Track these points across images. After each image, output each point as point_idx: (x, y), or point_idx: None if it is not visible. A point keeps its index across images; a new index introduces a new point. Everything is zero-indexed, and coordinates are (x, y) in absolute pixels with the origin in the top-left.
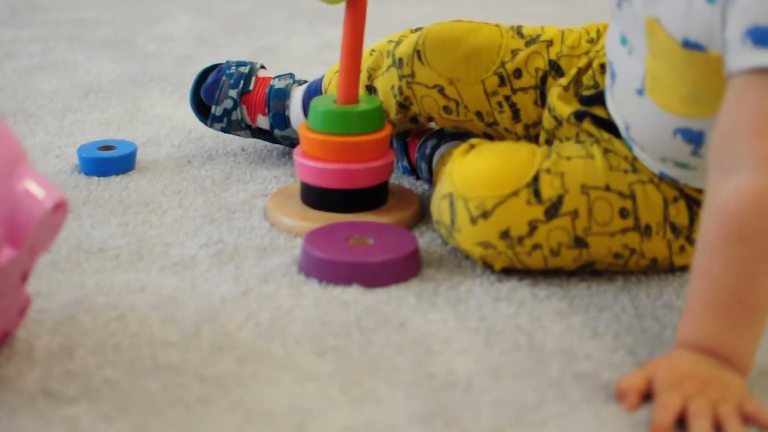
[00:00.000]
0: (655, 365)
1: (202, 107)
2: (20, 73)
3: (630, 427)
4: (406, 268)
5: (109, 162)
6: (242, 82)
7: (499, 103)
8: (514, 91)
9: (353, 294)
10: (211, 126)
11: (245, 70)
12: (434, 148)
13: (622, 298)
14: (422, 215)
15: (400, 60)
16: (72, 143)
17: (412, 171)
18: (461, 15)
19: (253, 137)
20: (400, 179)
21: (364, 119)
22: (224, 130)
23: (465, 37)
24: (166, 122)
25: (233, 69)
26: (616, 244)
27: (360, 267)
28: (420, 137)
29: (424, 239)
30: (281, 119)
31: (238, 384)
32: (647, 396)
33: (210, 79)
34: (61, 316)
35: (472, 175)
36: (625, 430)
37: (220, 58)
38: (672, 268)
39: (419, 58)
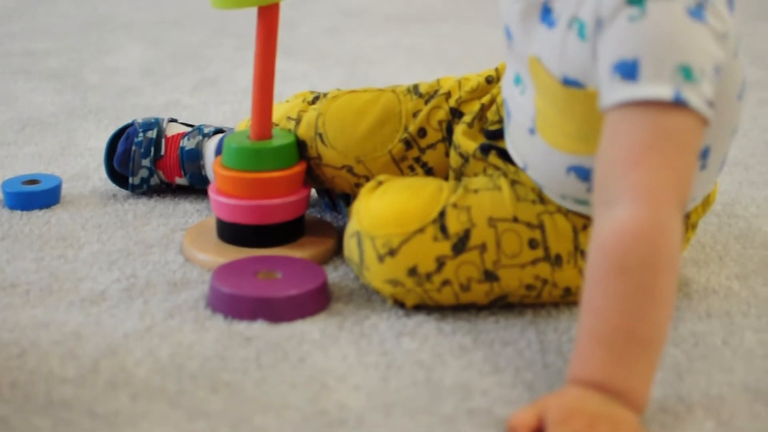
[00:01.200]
0: (546, 401)
1: (117, 175)
2: None
3: None
4: (312, 302)
5: (33, 196)
6: (152, 148)
7: (411, 167)
8: (422, 150)
9: (257, 329)
10: (132, 192)
11: (153, 134)
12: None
13: (529, 332)
14: (338, 249)
15: (304, 142)
16: (1, 177)
17: (333, 207)
18: (410, 44)
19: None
20: (322, 213)
21: (277, 155)
22: (149, 192)
23: (364, 111)
24: (97, 155)
25: (140, 136)
26: (527, 275)
27: (264, 302)
28: None
29: (338, 273)
30: (199, 178)
31: (127, 421)
32: None
33: (120, 148)
34: None
35: (378, 213)
36: None
37: (162, 90)
38: None
39: (322, 141)
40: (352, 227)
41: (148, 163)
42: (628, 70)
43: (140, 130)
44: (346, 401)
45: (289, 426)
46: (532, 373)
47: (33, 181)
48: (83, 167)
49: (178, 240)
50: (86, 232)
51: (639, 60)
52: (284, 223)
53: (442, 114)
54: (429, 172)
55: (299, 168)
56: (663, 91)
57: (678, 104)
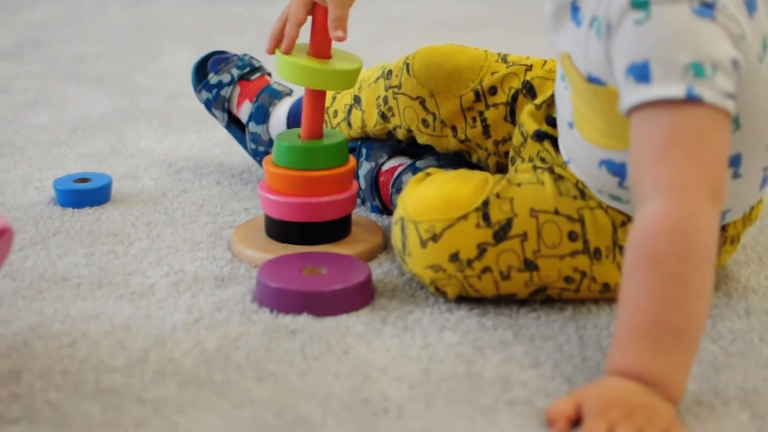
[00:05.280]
0: (585, 392)
1: (200, 75)
2: (13, 107)
3: None
4: (356, 297)
5: (84, 194)
6: (248, 69)
7: (473, 119)
8: (487, 106)
9: (302, 322)
10: (198, 93)
11: (257, 64)
12: None
13: (569, 328)
14: (385, 247)
15: (390, 72)
16: (52, 176)
17: (383, 209)
18: None
19: (226, 127)
20: (367, 214)
21: (327, 154)
22: (207, 103)
23: (452, 56)
24: (147, 156)
25: (247, 58)
26: (566, 267)
27: (310, 296)
28: (391, 175)
29: (382, 269)
30: (263, 112)
31: (175, 408)
32: (577, 422)
33: (224, 55)
34: (15, 342)
35: (423, 200)
36: None
37: None
38: None
39: (407, 70)
40: (397, 214)
41: (236, 74)
42: (641, 73)
43: (248, 57)
44: (388, 391)
45: (332, 414)
46: (571, 366)
47: (84, 180)
48: (133, 167)
49: (226, 237)
50: (136, 229)
51: (649, 62)
52: (332, 221)
53: (515, 82)
54: (486, 129)
55: (348, 167)
56: (675, 90)
57: (691, 100)
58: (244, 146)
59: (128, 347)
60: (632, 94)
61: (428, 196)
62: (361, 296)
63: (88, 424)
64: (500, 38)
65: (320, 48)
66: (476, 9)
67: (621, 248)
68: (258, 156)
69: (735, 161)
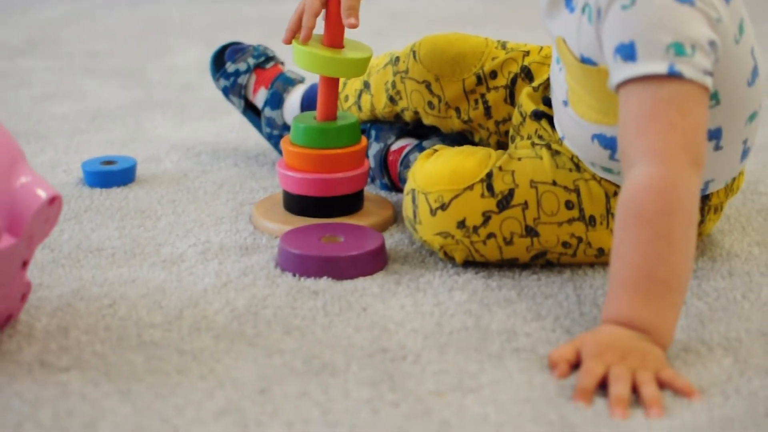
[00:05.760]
0: (583, 338)
1: (218, 64)
2: (34, 99)
3: (557, 391)
4: (372, 262)
5: (111, 175)
6: (264, 58)
7: (476, 101)
8: (488, 89)
9: (323, 285)
10: (216, 81)
11: (271, 53)
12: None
13: (567, 288)
14: (395, 220)
15: (397, 58)
16: (78, 160)
17: (392, 186)
18: None
19: (243, 112)
20: (377, 191)
21: (341, 134)
22: (224, 90)
23: (455, 43)
24: (166, 142)
25: (262, 48)
26: (564, 233)
27: (329, 261)
28: (399, 154)
29: (393, 239)
30: (277, 98)
31: (212, 357)
32: (577, 366)
33: (240, 45)
34: (59, 303)
35: (432, 172)
36: (552, 394)
37: None
38: None
39: (414, 56)
40: (408, 186)
41: (252, 63)
42: (627, 52)
43: (263, 47)
44: (405, 342)
45: (355, 361)
46: (570, 320)
47: (110, 162)
48: (154, 152)
49: (247, 212)
50: (162, 206)
51: (635, 42)
52: (346, 195)
53: (514, 67)
54: (488, 110)
55: (360, 146)
56: (658, 66)
57: (673, 76)
58: (260, 130)
59: (164, 306)
60: (620, 71)
61: (437, 169)
62: (376, 261)
63: (134, 371)
64: (495, 33)
65: (334, 38)
66: (472, 5)
67: (613, 216)
68: (272, 139)
69: (716, 134)
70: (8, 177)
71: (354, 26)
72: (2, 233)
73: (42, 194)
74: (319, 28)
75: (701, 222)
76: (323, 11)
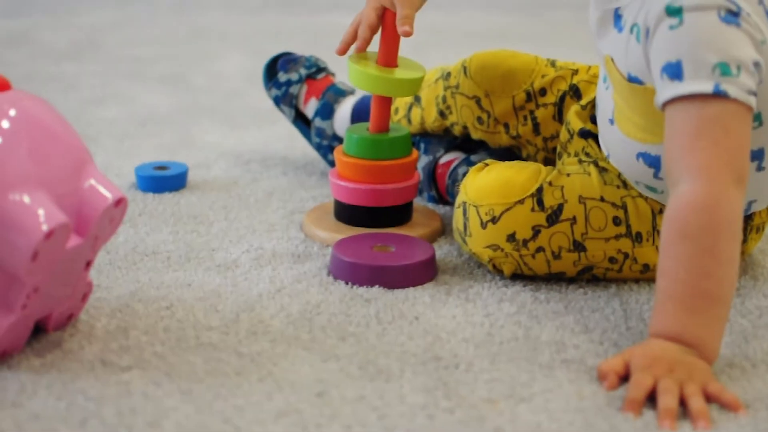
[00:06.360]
0: (632, 351)
1: (270, 74)
2: (82, 103)
3: (607, 401)
4: (422, 272)
5: (163, 180)
6: (315, 69)
7: (525, 117)
8: (537, 106)
9: (375, 293)
10: (268, 90)
11: (323, 65)
12: (464, 175)
13: (614, 302)
14: (443, 232)
15: (449, 74)
16: (129, 164)
17: (439, 199)
18: None
19: (293, 122)
20: (425, 203)
21: (393, 146)
22: (276, 100)
23: (505, 60)
24: (216, 148)
25: (314, 59)
26: (611, 248)
27: (381, 270)
28: (447, 168)
29: (442, 250)
30: (328, 109)
31: (269, 360)
32: (626, 378)
33: (292, 56)
34: (118, 305)
35: (484, 186)
36: (602, 404)
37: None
38: None
39: (465, 72)
40: (459, 199)
41: (304, 73)
42: (674, 71)
43: (314, 58)
44: (457, 350)
45: (409, 368)
46: (617, 334)
47: (162, 167)
48: (204, 158)
49: (297, 221)
50: (214, 212)
51: (682, 61)
52: (396, 206)
53: (563, 85)
54: (536, 127)
55: (412, 158)
56: (704, 86)
57: (718, 95)
58: (309, 140)
59: (220, 310)
60: (667, 89)
61: (488, 182)
62: (426, 271)
63: (194, 372)
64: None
65: (388, 57)
66: (509, 22)
67: (659, 233)
68: (322, 149)
69: (758, 155)
70: (77, 178)
71: (408, 34)
72: (70, 233)
73: (108, 196)
74: (374, 44)
75: (743, 241)
76: (380, 28)
